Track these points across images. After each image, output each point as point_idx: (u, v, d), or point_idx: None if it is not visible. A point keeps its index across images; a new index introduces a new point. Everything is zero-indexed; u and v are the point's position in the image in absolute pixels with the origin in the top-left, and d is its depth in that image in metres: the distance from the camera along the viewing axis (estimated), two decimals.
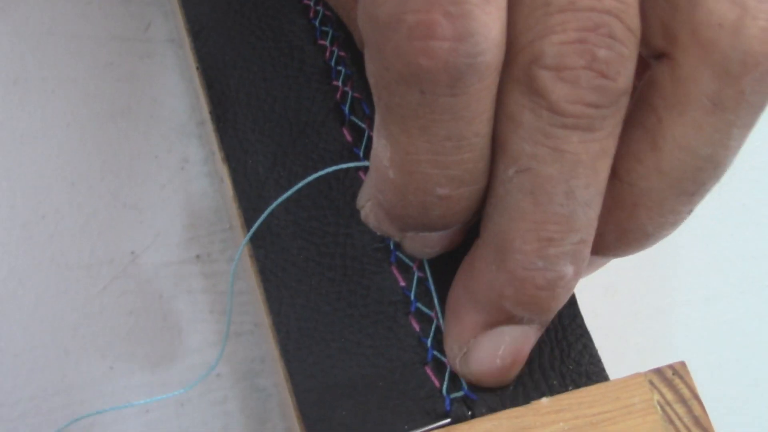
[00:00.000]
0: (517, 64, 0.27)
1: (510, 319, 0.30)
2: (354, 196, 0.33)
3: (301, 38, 0.36)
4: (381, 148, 0.28)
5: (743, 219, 0.44)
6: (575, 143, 0.27)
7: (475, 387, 0.31)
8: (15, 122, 0.42)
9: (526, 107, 0.27)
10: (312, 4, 0.36)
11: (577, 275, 0.29)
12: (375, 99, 0.28)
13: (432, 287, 0.32)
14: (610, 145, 0.28)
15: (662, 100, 0.28)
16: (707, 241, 0.43)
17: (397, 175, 0.28)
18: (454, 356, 0.31)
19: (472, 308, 0.30)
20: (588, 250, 0.29)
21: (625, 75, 0.27)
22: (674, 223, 0.30)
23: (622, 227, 0.29)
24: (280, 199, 0.32)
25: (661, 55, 0.28)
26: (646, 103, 0.28)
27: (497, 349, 0.30)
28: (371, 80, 0.28)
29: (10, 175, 0.41)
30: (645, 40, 0.28)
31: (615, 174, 0.29)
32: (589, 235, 0.28)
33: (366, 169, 0.33)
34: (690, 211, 0.30)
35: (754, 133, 0.45)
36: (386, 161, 0.28)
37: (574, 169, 0.27)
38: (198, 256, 0.40)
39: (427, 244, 0.31)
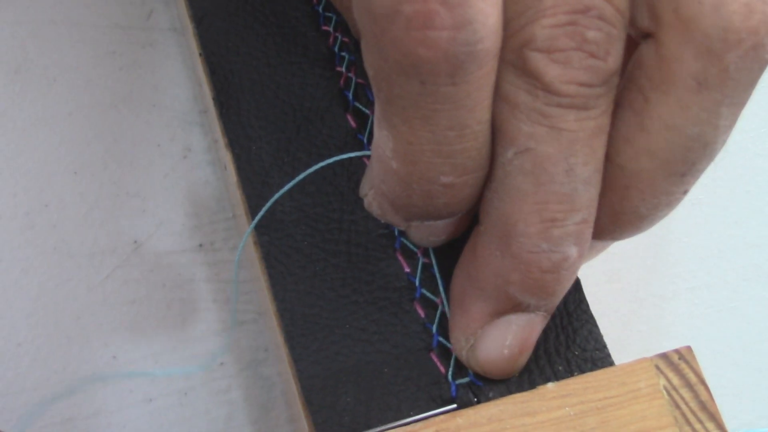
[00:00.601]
0: (509, 47, 0.27)
1: (517, 307, 0.30)
2: (358, 182, 0.33)
3: (304, 24, 0.36)
4: (383, 139, 0.28)
5: (747, 206, 0.44)
6: (572, 121, 0.27)
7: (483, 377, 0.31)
8: (17, 111, 0.42)
9: (522, 88, 0.27)
10: None
11: (581, 257, 0.29)
12: (374, 90, 0.28)
13: (437, 273, 0.32)
14: (605, 122, 0.28)
15: (648, 81, 0.28)
16: (711, 228, 0.43)
17: (400, 165, 0.28)
18: (460, 348, 0.31)
19: (478, 298, 0.30)
20: (590, 230, 0.29)
21: (614, 55, 0.27)
22: (668, 204, 0.29)
23: (615, 210, 0.29)
24: (283, 189, 0.32)
25: (647, 35, 0.28)
26: (634, 83, 0.28)
27: (504, 339, 0.30)
28: (369, 72, 0.27)
29: (12, 163, 0.41)
30: (633, 21, 0.28)
31: (606, 156, 0.29)
32: (591, 215, 0.29)
33: (369, 156, 0.33)
34: (685, 192, 0.29)
35: (759, 119, 0.45)
36: (389, 152, 0.28)
37: (572, 147, 0.27)
38: (201, 245, 0.40)
39: (432, 232, 0.31)
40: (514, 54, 0.27)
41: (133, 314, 0.39)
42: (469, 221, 0.31)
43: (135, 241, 0.40)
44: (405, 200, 0.29)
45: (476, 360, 0.30)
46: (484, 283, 0.30)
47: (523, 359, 0.31)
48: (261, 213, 0.32)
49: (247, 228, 0.34)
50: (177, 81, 0.43)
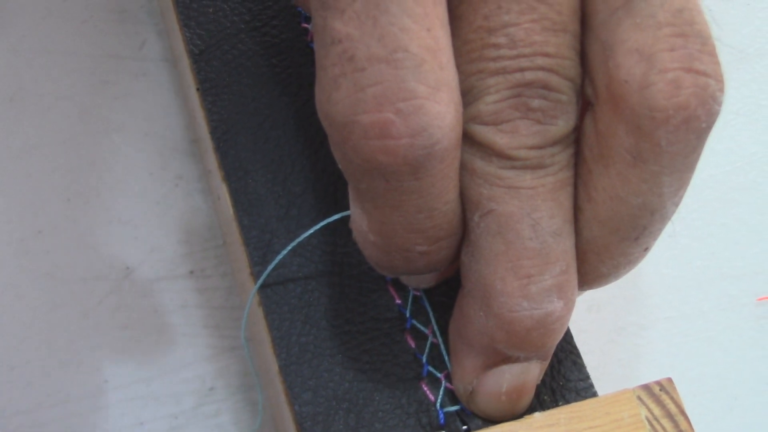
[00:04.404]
0: None
1: (507, 359, 0.30)
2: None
3: (298, 61, 0.36)
4: (358, 215, 0.29)
5: (722, 238, 0.45)
6: (529, 180, 0.28)
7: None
8: (12, 138, 0.42)
9: (476, 155, 0.28)
10: (311, 27, 0.37)
11: (568, 308, 0.29)
12: (345, 176, 0.28)
13: (427, 305, 0.33)
14: (567, 175, 0.28)
15: (590, 153, 0.28)
16: (688, 259, 0.44)
17: (377, 238, 0.29)
18: (460, 396, 0.31)
19: (469, 352, 0.31)
20: (573, 279, 0.29)
21: (565, 118, 0.28)
22: (629, 263, 0.30)
23: (578, 270, 0.30)
24: (285, 251, 0.33)
25: (590, 104, 0.28)
26: (580, 154, 0.29)
27: (500, 387, 0.30)
28: (338, 164, 0.28)
29: (6, 190, 0.41)
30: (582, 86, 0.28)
31: None
32: (569, 265, 0.29)
33: None
34: (646, 250, 0.30)
35: (733, 155, 0.46)
36: (364, 227, 0.29)
37: (534, 203, 0.28)
38: (192, 272, 0.41)
39: (421, 281, 0.32)
40: (463, 128, 0.28)
41: (124, 339, 0.40)
42: (458, 265, 0.31)
43: (127, 267, 0.41)
44: (387, 264, 0.30)
45: (477, 407, 0.31)
46: (472, 340, 0.30)
47: (525, 402, 0.31)
48: (264, 275, 0.33)
49: (239, 256, 0.35)
50: (169, 110, 0.43)
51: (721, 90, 0.26)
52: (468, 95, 0.28)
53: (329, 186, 0.34)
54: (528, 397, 0.31)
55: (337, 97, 0.26)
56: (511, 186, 0.28)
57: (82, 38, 0.44)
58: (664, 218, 0.29)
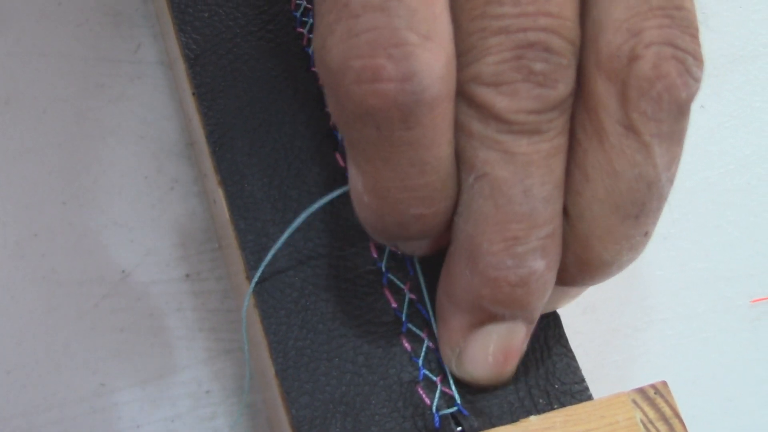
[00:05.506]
0: (459, 82, 0.28)
1: (492, 318, 0.30)
2: (346, 219, 0.34)
3: (294, 65, 0.37)
4: (353, 176, 0.29)
5: (717, 240, 0.45)
6: (524, 146, 0.28)
7: (475, 389, 0.32)
8: (7, 141, 0.42)
9: (474, 117, 0.28)
10: (305, 31, 0.37)
11: (551, 269, 0.30)
12: (340, 133, 0.29)
13: (422, 309, 0.33)
14: (561, 142, 0.29)
15: (583, 132, 0.29)
16: (682, 261, 0.44)
17: (371, 199, 0.29)
18: (448, 360, 0.32)
19: (456, 312, 0.31)
20: (557, 243, 0.30)
21: (565, 81, 0.28)
22: (631, 249, 0.30)
23: (582, 259, 0.30)
24: (280, 241, 0.33)
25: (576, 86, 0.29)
26: (573, 136, 0.29)
27: (487, 348, 0.31)
28: (333, 117, 0.29)
29: (2, 193, 0.41)
30: None
31: (564, 210, 0.30)
32: (555, 229, 0.29)
33: None
34: (646, 234, 0.30)
35: (728, 156, 0.46)
36: (360, 187, 0.29)
37: (527, 169, 0.28)
38: (187, 275, 0.41)
39: (417, 246, 0.33)
40: (463, 87, 0.28)
41: (120, 342, 0.40)
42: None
43: (123, 271, 0.41)
44: (381, 229, 0.30)
45: (464, 370, 0.31)
46: (458, 299, 0.30)
47: (511, 366, 0.32)
48: (260, 270, 0.33)
49: (235, 259, 0.35)
50: (164, 114, 0.43)
51: (699, 67, 0.28)
52: (469, 54, 0.28)
53: (325, 189, 0.34)
54: (514, 361, 0.32)
55: (331, 42, 0.27)
56: (507, 151, 0.28)
57: (77, 41, 0.44)
58: (661, 195, 0.29)
